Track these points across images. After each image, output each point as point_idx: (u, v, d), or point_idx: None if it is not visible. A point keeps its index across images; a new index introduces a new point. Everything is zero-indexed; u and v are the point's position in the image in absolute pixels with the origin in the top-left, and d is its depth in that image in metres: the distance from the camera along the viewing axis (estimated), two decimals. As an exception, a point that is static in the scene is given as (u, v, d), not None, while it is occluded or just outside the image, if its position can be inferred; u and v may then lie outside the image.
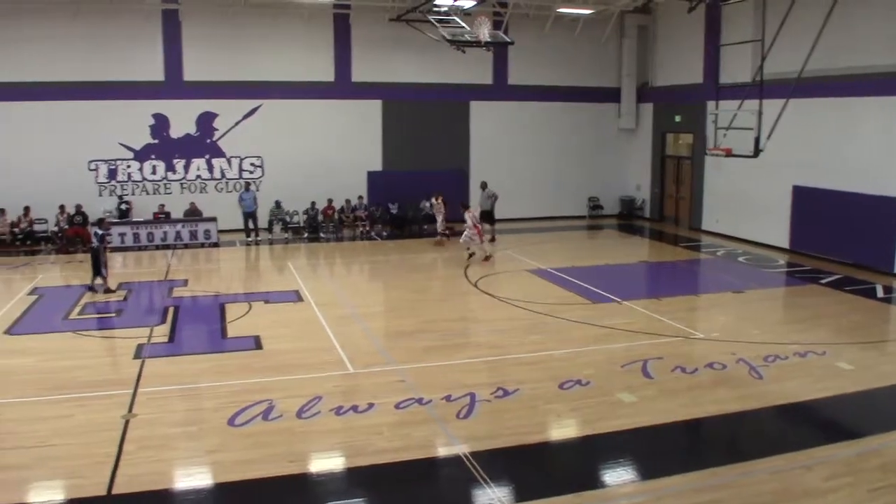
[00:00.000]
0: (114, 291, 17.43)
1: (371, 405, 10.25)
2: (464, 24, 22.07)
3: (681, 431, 9.77)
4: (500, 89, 28.67)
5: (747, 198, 23.92)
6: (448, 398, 10.46)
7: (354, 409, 10.15)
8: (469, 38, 21.87)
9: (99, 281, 17.47)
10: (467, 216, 21.33)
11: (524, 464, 8.82)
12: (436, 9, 22.33)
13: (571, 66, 29.12)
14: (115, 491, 8.02)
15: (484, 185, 24.87)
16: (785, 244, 22.41)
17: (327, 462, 8.93)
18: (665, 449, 9.29)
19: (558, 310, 15.51)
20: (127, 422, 9.79)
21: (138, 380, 11.42)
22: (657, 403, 10.42)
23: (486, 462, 8.55)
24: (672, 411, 10.12)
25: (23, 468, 8.62)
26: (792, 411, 10.37)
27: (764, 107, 17.93)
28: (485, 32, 21.59)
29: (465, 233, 21.26)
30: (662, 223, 28.64)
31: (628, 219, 29.68)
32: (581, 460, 9.04)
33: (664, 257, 23.51)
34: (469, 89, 28.24)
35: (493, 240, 24.02)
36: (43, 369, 12.14)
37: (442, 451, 9.07)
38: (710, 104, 21.78)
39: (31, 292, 17.62)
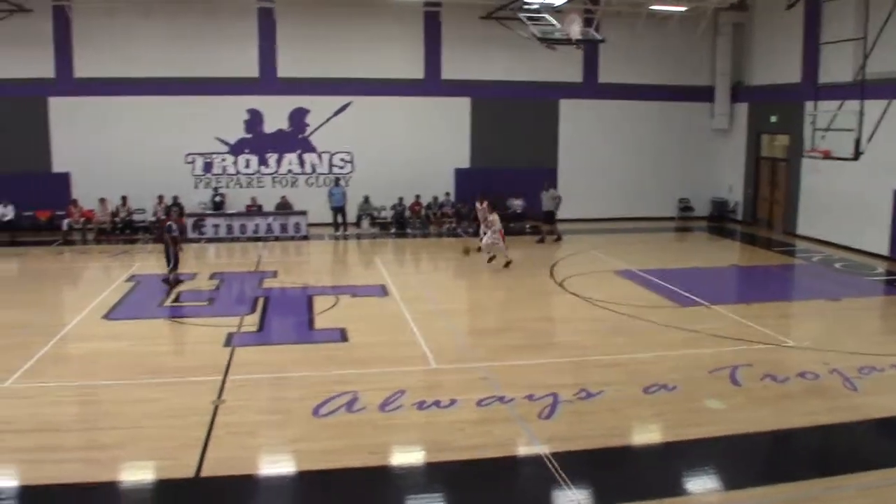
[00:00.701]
0: (175, 284, 17.62)
1: (453, 401, 10.27)
2: (554, 22, 21.89)
3: (768, 442, 9.46)
4: (590, 88, 28.34)
5: (846, 202, 22.98)
6: (530, 397, 10.41)
7: (437, 404, 10.19)
8: (559, 36, 21.68)
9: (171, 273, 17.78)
10: (493, 218, 20.07)
11: (605, 467, 8.71)
12: (526, 6, 22.22)
13: (663, 64, 28.53)
14: (202, 474, 8.27)
15: (548, 186, 24.56)
16: (885, 251, 21.44)
17: (408, 456, 9.01)
18: (751, 459, 9.02)
19: (644, 312, 15.25)
20: (216, 407, 10.08)
21: (228, 367, 11.74)
22: (745, 412, 10.13)
23: (567, 463, 8.46)
24: (760, 421, 9.82)
25: (117, 447, 8.98)
26: (887, 426, 9.93)
27: (865, 107, 17.21)
28: (575, 30, 21.38)
29: (488, 235, 20.06)
30: (755, 226, 27.81)
31: (719, 221, 28.94)
32: (663, 466, 8.85)
33: (756, 261, 22.85)
34: (558, 87, 28.00)
35: (558, 239, 23.81)
36: (137, 353, 12.61)
37: (522, 451, 9.03)
38: (809, 104, 20.97)
39: (129, 279, 18.34)
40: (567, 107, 28.27)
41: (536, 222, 25.46)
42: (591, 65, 28.12)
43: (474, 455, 8.74)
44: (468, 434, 9.31)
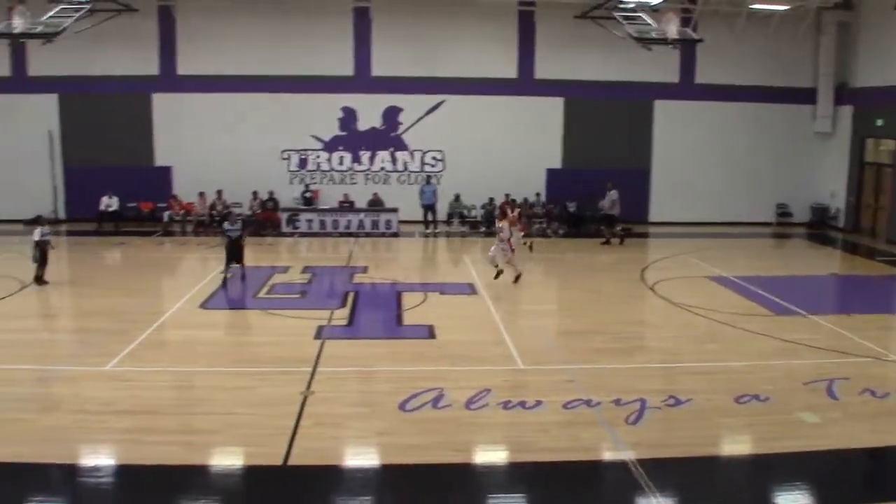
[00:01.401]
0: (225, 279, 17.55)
1: (539, 402, 10.22)
2: (651, 21, 21.54)
3: (865, 459, 9.09)
4: (686, 88, 27.71)
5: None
6: (617, 402, 10.26)
7: (522, 404, 10.16)
8: (656, 36, 21.34)
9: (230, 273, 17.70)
10: (502, 225, 17.69)
11: (693, 476, 8.51)
12: (622, 5, 21.93)
13: (763, 64, 27.61)
14: (290, 462, 8.46)
15: (610, 187, 23.91)
16: None
17: (492, 455, 9.01)
18: (846, 476, 8.67)
19: (738, 319, 14.84)
20: (305, 398, 10.29)
21: (317, 359, 11.98)
22: (841, 427, 9.73)
23: (653, 471, 8.31)
24: (857, 437, 9.42)
25: (209, 433, 9.29)
26: None
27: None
28: (672, 30, 21.01)
29: (495, 246, 17.75)
30: (857, 234, 26.72)
31: (819, 228, 27.91)
32: (753, 479, 8.58)
33: (857, 271, 21.95)
34: (653, 88, 27.48)
35: (622, 242, 23.35)
36: (231, 343, 13.03)
37: (608, 456, 8.90)
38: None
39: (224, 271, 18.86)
40: (662, 108, 27.73)
41: (627, 224, 25.08)
42: (687, 65, 27.50)
43: (558, 457, 8.68)
44: (553, 436, 9.25)
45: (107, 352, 12.30)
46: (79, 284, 18.25)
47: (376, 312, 15.42)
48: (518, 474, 8.53)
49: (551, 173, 27.37)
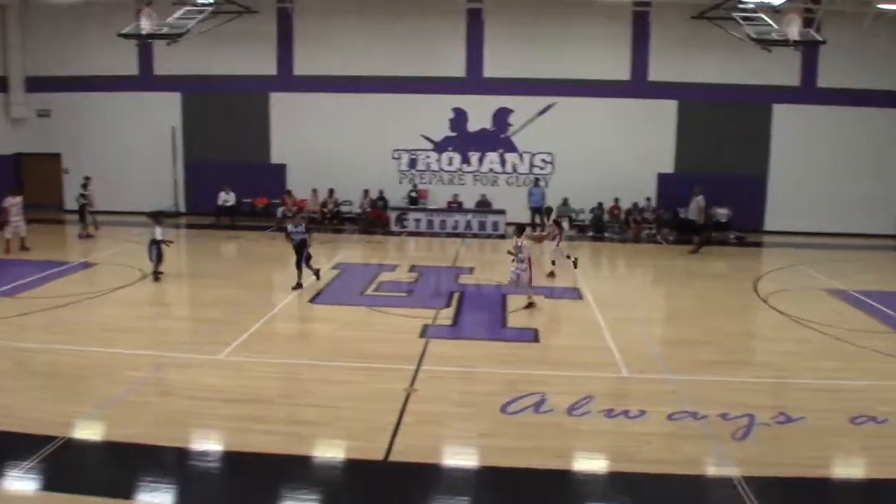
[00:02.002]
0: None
1: (642, 412, 10.03)
2: (771, 22, 20.82)
3: None
4: (807, 92, 26.59)
5: None
6: (724, 416, 9.96)
7: (625, 413, 10.00)
8: (776, 37, 20.60)
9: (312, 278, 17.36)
10: (521, 243, 15.65)
11: (801, 499, 8.19)
12: (742, 6, 21.28)
13: (890, 68, 26.21)
14: (391, 458, 8.59)
15: (697, 192, 22.91)
16: None
17: (592, 463, 8.89)
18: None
19: (857, 336, 14.15)
20: (408, 395, 10.43)
21: (421, 357, 12.11)
22: (970, 455, 9.18)
23: (760, 489, 8.03)
24: (985, 464, 8.87)
25: (314, 424, 9.55)
26: None
27: None
28: (794, 31, 20.24)
29: (514, 269, 15.67)
30: None
31: (947, 242, 26.34)
32: None
33: None
34: (772, 91, 26.50)
35: (696, 251, 22.46)
36: (338, 337, 13.29)
37: (712, 471, 8.65)
38: None
39: (334, 267, 19.34)
40: (781, 112, 26.72)
41: (742, 233, 24.32)
42: (809, 68, 26.39)
43: (661, 470, 8.49)
44: (655, 447, 9.06)
45: (220, 341, 12.80)
46: (196, 275, 19.06)
47: (481, 314, 15.45)
48: (619, 484, 8.39)
49: (662, 178, 26.83)
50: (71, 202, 27.35)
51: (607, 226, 25.89)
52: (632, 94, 26.53)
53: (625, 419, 9.84)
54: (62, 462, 8.56)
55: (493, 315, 15.21)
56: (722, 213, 25.49)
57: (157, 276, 17.42)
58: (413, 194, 26.55)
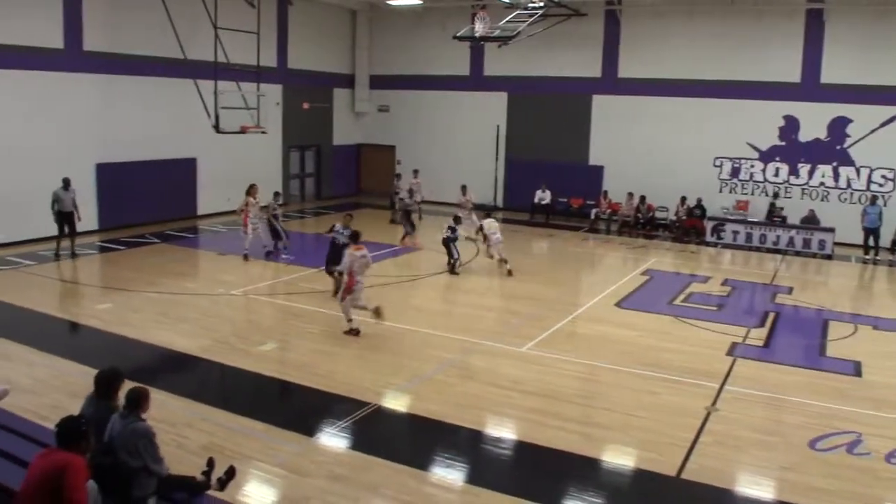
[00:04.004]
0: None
1: (982, 471, 8.76)
2: None
3: None
4: None
5: None
6: None
7: (959, 469, 8.80)
8: None
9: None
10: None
11: None
12: None
13: None
14: (683, 475, 8.32)
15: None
16: None
17: (913, 519, 7.96)
18: None
19: None
20: (708, 414, 10.03)
21: (727, 377, 11.57)
22: None
23: None
24: None
25: (607, 428, 9.55)
26: None
27: None
28: None
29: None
30: None
31: None
32: None
33: None
34: None
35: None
36: (640, 345, 13.10)
37: None
38: None
39: (644, 273, 19.06)
40: None
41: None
42: None
43: None
44: None
45: (525, 335, 13.23)
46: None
47: (797, 338, 14.37)
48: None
49: None
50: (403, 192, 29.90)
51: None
52: None
53: (959, 476, 8.65)
54: (371, 427, 9.41)
55: (810, 341, 14.08)
56: None
57: (452, 268, 18.14)
58: (775, 201, 24.91)
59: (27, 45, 19.27)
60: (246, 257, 18.70)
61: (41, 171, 18.85)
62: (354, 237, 13.53)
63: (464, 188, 23.72)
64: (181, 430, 8.90)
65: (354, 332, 12.89)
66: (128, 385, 6.89)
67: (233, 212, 20.81)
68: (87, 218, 20.49)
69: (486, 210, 21.42)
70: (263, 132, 20.99)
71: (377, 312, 12.88)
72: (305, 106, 28.87)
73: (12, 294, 14.84)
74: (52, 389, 10.01)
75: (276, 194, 20.56)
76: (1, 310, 13.99)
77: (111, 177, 21.69)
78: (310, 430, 9.18)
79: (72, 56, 20.43)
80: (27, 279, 16.32)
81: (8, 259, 17.78)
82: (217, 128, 19.46)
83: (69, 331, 13.29)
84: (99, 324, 13.23)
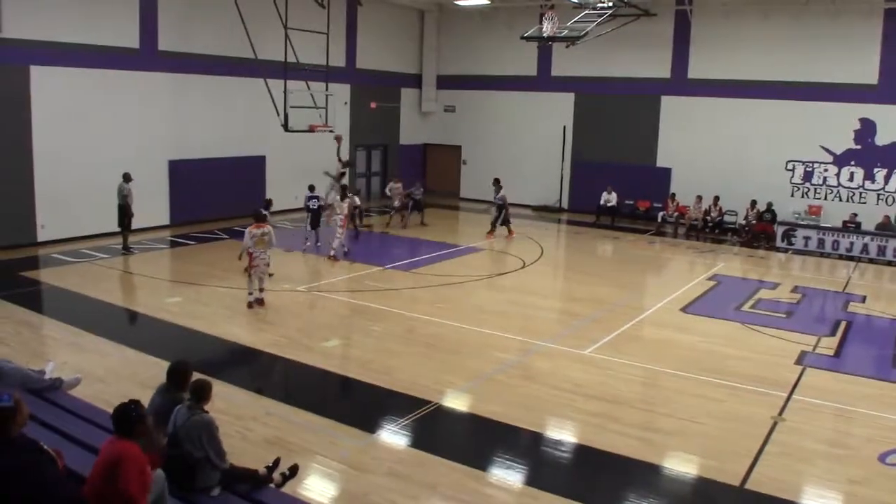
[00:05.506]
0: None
1: None
2: None
3: None
4: None
5: None
6: None
7: None
8: None
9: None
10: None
11: None
12: None
13: None
14: (747, 486, 8.15)
15: None
16: None
17: None
18: None
19: None
20: (775, 423, 9.81)
21: (795, 386, 11.30)
22: None
23: None
24: None
25: (670, 435, 9.42)
26: None
27: None
28: None
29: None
30: None
31: None
32: None
33: None
34: None
35: None
36: (705, 350, 12.89)
37: None
38: None
39: (711, 278, 18.73)
40: None
41: None
42: None
43: None
44: None
45: (587, 337, 13.15)
46: (572, 270, 19.73)
47: (870, 348, 13.94)
48: None
49: None
50: (466, 191, 30.09)
51: None
52: None
53: None
54: (431, 425, 9.46)
55: (884, 352, 13.64)
56: None
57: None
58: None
59: (105, 45, 19.88)
60: (334, 257, 18.73)
61: (116, 166, 19.40)
62: (257, 216, 14.59)
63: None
64: (246, 422, 9.09)
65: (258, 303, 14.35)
66: (194, 377, 7.09)
67: (300, 209, 21.18)
68: (159, 213, 21.18)
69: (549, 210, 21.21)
70: (331, 131, 21.34)
71: (259, 302, 14.43)
72: (373, 105, 29.16)
73: (88, 286, 15.36)
74: (122, 379, 10.33)
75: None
76: (76, 301, 14.49)
77: (183, 173, 22.23)
78: (371, 426, 9.28)
79: (147, 56, 20.99)
80: (101, 272, 16.85)
81: (83, 252, 18.38)
82: (286, 126, 19.85)
83: (140, 323, 13.68)
84: (168, 316, 13.60)
